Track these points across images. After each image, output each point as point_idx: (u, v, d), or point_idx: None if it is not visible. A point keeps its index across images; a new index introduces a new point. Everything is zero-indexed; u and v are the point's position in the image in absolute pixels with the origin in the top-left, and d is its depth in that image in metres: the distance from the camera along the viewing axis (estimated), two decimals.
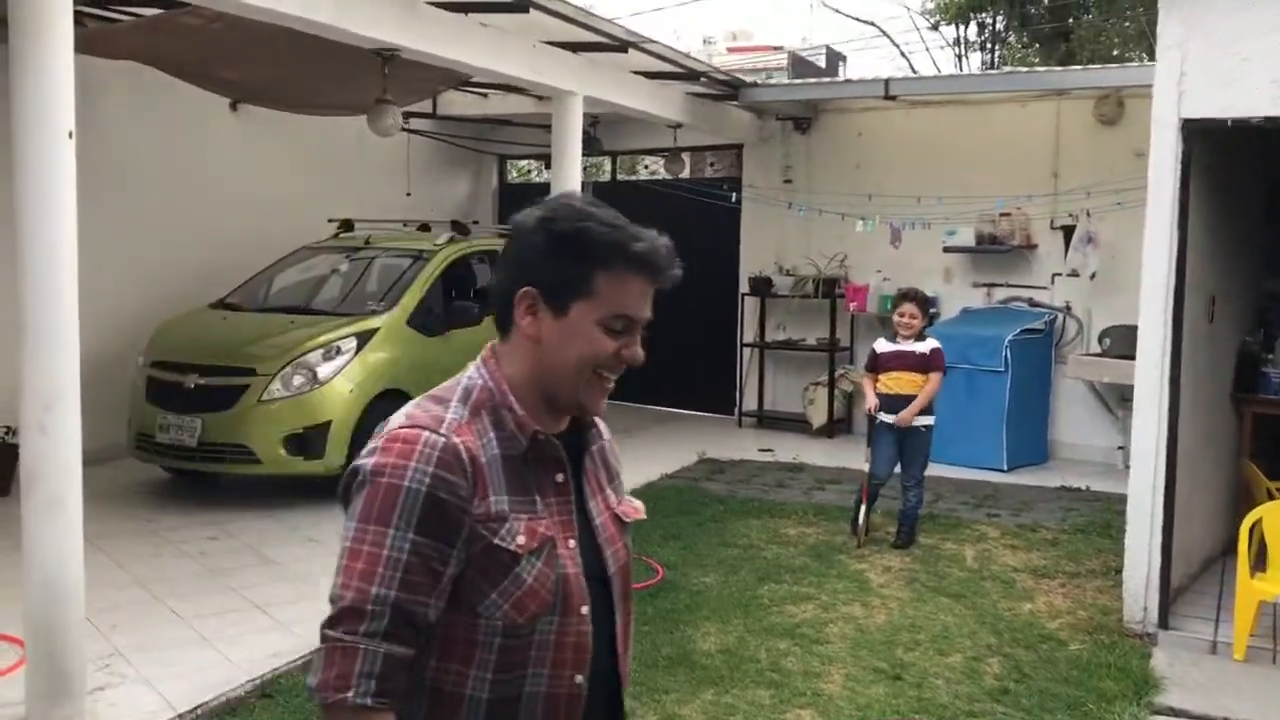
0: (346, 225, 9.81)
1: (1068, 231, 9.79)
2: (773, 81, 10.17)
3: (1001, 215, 9.96)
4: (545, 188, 14.26)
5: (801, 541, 7.11)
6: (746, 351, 11.59)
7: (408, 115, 11.34)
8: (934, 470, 8.71)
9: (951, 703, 4.88)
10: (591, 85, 7.99)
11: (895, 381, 7.01)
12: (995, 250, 9.99)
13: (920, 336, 7.12)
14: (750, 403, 11.64)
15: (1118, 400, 9.60)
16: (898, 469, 7.16)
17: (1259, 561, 5.58)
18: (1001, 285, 10.27)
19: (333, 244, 9.54)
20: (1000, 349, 9.23)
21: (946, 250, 10.23)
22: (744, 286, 11.47)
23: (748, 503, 8.05)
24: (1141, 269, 5.70)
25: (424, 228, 10.16)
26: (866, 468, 7.20)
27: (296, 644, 5.25)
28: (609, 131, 12.37)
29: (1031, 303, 10.06)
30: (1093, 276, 9.49)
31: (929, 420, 7.13)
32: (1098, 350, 9.42)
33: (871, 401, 7.16)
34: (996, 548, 6.97)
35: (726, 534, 7.28)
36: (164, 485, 8.28)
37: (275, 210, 10.52)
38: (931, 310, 10.42)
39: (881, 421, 7.16)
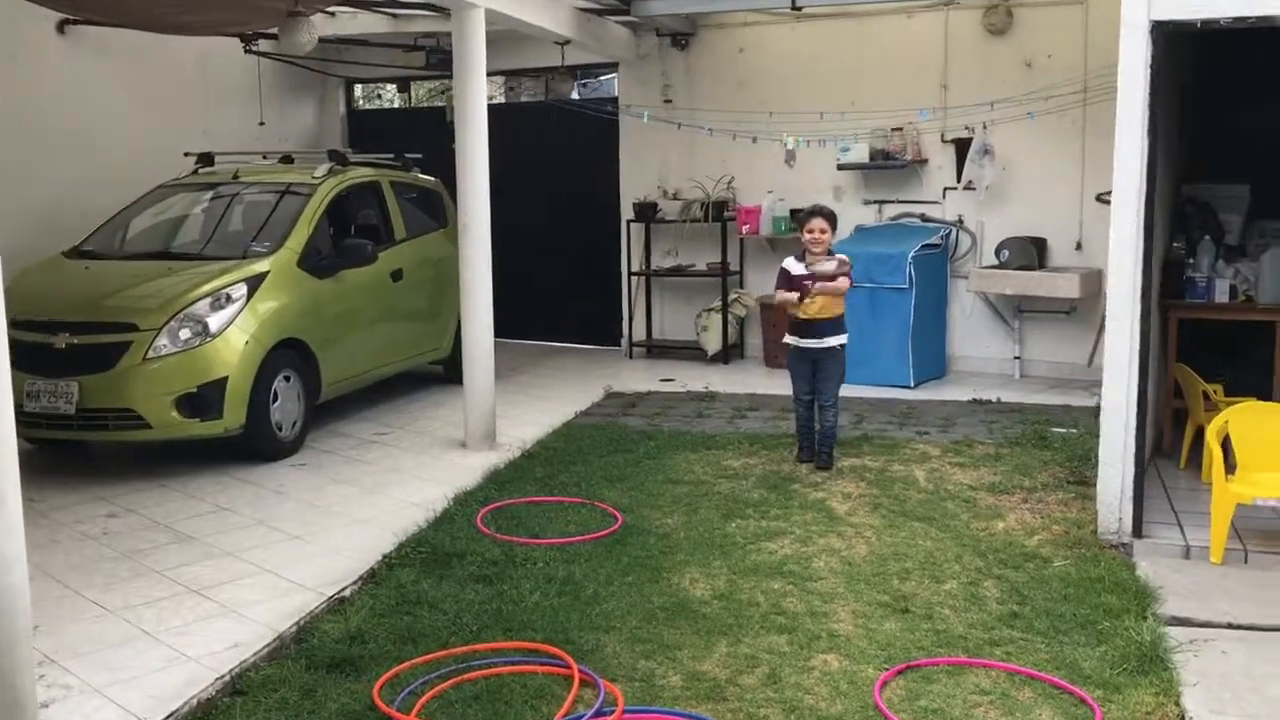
0: (206, 159, 8.90)
1: (959, 145, 9.77)
2: None
3: (893, 130, 9.86)
4: (401, 114, 13.51)
5: (749, 473, 6.88)
6: (633, 280, 11.22)
7: (255, 37, 10.41)
8: (844, 390, 8.65)
9: (968, 632, 4.75)
10: None
11: (811, 305, 6.83)
12: (889, 166, 9.90)
13: (828, 253, 6.94)
14: (639, 332, 11.32)
15: (1013, 312, 9.74)
16: None
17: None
18: (893, 202, 10.21)
19: (195, 180, 8.64)
20: (904, 266, 9.18)
21: (841, 168, 10.08)
22: (628, 213, 11.06)
23: (677, 436, 7.76)
24: (1039, 179, 5.61)
25: (287, 159, 9.34)
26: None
27: (255, 630, 4.69)
28: None
29: (924, 218, 10.04)
30: (987, 189, 9.50)
31: (842, 339, 7.00)
32: (995, 263, 9.48)
33: (793, 296, 6.90)
34: (944, 466, 6.91)
35: (669, 470, 6.98)
36: (30, 459, 7.34)
37: (116, 145, 9.51)
38: None
39: (796, 348, 7.01)
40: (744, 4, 9.59)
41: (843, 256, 6.96)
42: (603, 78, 12.02)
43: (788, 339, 7.06)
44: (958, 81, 9.78)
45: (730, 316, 10.58)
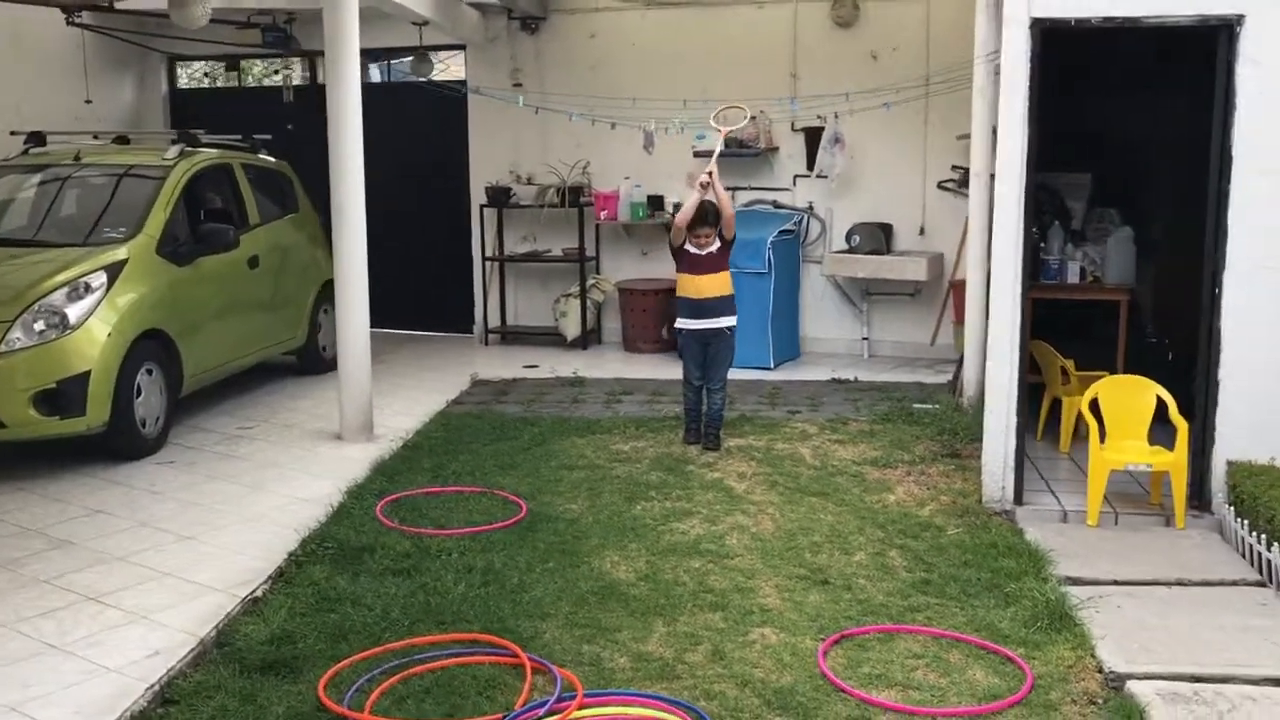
0: (37, 139, 8.29)
1: (809, 134, 10.09)
2: None
3: (750, 119, 10.06)
4: (230, 93, 12.88)
5: (641, 457, 6.95)
6: (487, 265, 11.10)
7: (79, 7, 9.76)
8: None
9: (888, 600, 4.97)
10: None
11: (707, 283, 6.98)
12: (743, 154, 10.12)
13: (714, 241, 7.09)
14: (493, 319, 11.21)
15: (861, 295, 10.14)
16: None
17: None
18: (745, 188, 10.45)
19: (28, 161, 8.05)
20: (763, 250, 9.43)
21: (697, 155, 10.23)
22: (480, 197, 10.92)
23: (560, 422, 7.75)
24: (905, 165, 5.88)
25: (122, 140, 8.82)
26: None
27: (173, 636, 4.46)
28: (306, 31, 11.27)
29: (775, 204, 10.33)
30: (838, 177, 9.85)
31: (731, 321, 7.17)
32: (845, 248, 9.85)
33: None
34: (825, 443, 7.16)
35: (559, 456, 6.97)
36: None
37: None
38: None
39: (687, 331, 7.14)
40: None
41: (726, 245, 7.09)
42: (405, 59, 11.73)
43: (680, 323, 7.15)
44: (807, 72, 10.08)
45: (589, 302, 10.61)
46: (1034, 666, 4.33)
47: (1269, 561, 5.11)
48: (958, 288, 9.62)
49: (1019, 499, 6.06)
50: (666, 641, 4.54)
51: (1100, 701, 4.09)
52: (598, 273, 10.86)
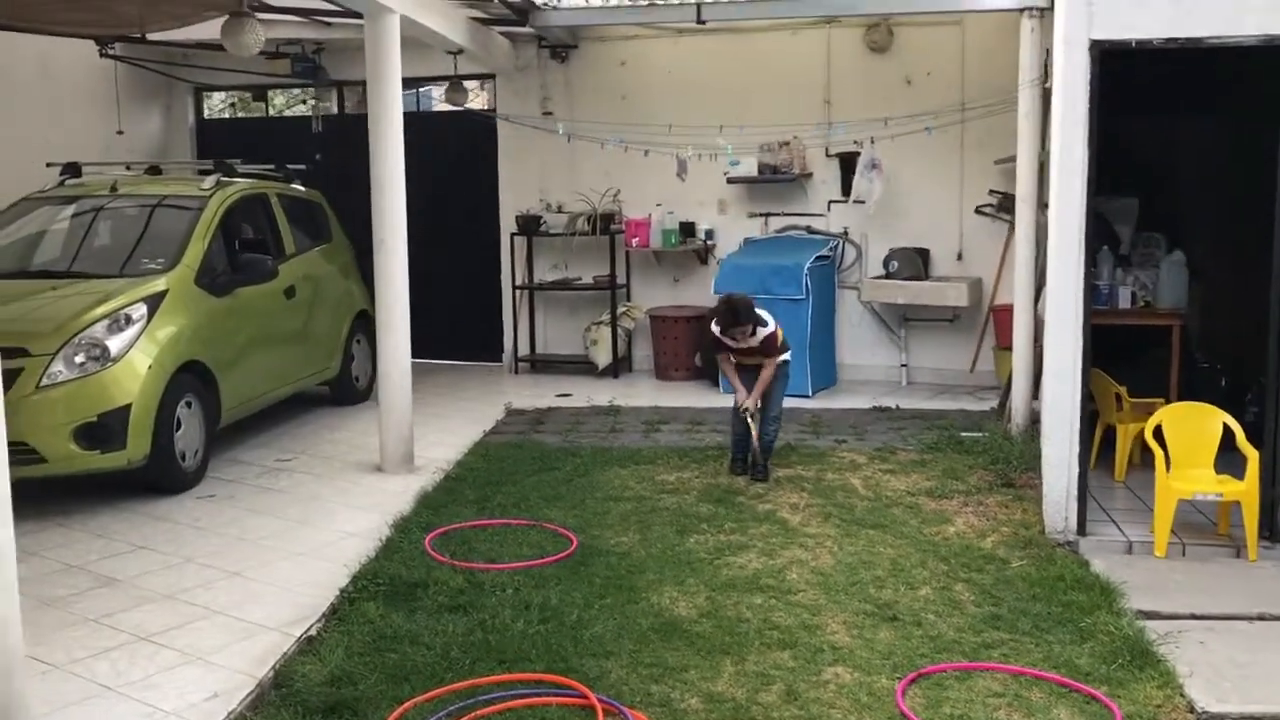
0: (73, 170, 8.23)
1: (843, 159, 10.01)
2: (566, 5, 9.43)
3: (781, 145, 10.01)
4: (257, 123, 12.83)
5: (688, 488, 6.83)
6: (516, 294, 11.00)
7: (112, 39, 9.75)
8: None
9: (960, 636, 4.82)
10: (406, 3, 7.08)
11: (744, 357, 6.98)
12: (777, 180, 10.05)
13: (753, 333, 6.93)
14: (523, 347, 11.11)
15: (898, 321, 10.03)
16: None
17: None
18: (779, 214, 10.36)
19: (64, 193, 7.98)
20: (800, 277, 9.32)
21: (731, 181, 10.17)
22: (510, 226, 10.85)
23: (601, 452, 7.63)
24: (1029, 193, 5.78)
25: (154, 170, 8.76)
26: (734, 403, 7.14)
27: (230, 678, 4.33)
28: (334, 61, 11.26)
29: (810, 230, 10.23)
30: (876, 202, 9.75)
31: (785, 356, 7.08)
32: (883, 273, 9.75)
33: (742, 396, 7.04)
34: (876, 473, 7.03)
35: (604, 488, 6.85)
36: None
37: None
38: (709, 242, 10.42)
39: (740, 364, 7.08)
40: (647, 17, 9.51)
41: (768, 329, 6.91)
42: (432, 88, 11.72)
43: (734, 356, 7.05)
44: (840, 97, 10.01)
45: (620, 329, 10.51)
46: (1121, 705, 4.18)
47: None
48: (998, 313, 9.51)
49: (1082, 529, 5.92)
50: (737, 681, 4.40)
51: None
52: (628, 300, 10.76)
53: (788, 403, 8.88)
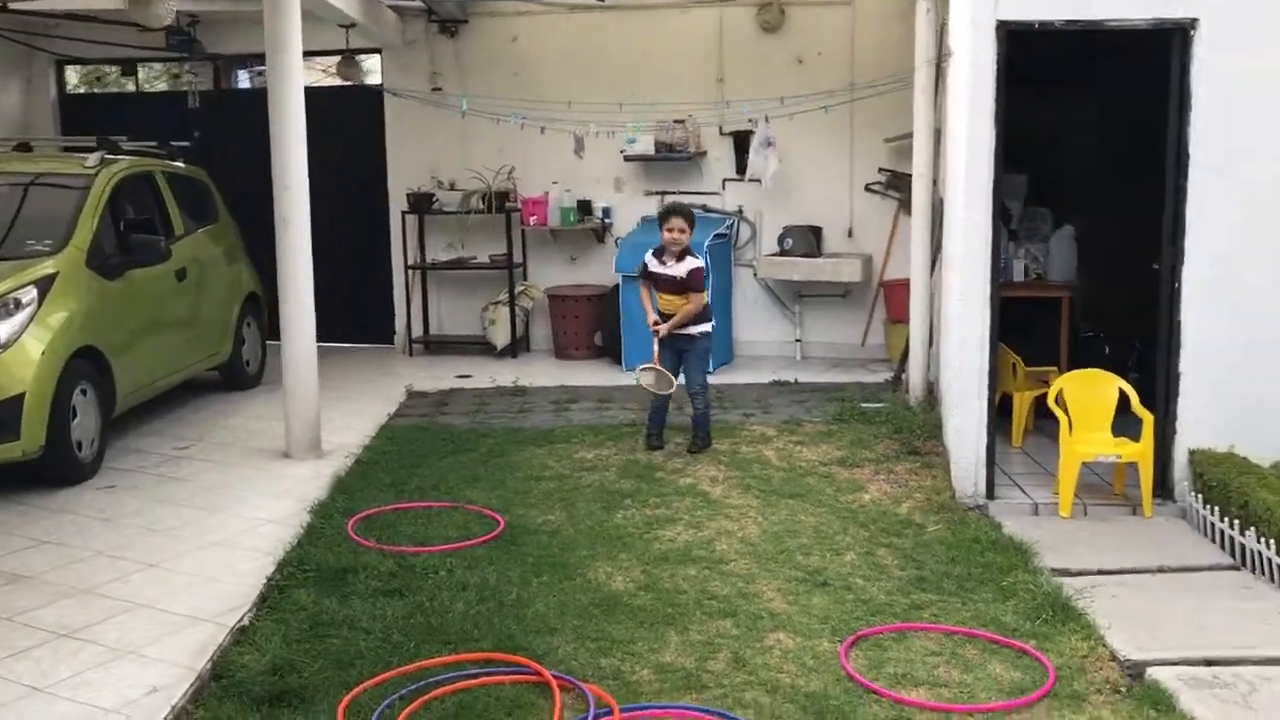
0: None
1: (737, 138, 10.13)
2: None
3: (676, 123, 10.07)
4: (126, 99, 12.27)
5: (606, 465, 6.85)
6: (409, 274, 10.82)
7: None
8: None
9: (890, 599, 4.99)
10: None
11: (666, 302, 7.00)
12: (674, 158, 10.11)
13: (683, 255, 7.04)
14: (416, 328, 10.94)
15: (792, 297, 10.22)
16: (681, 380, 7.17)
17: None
18: (674, 192, 10.42)
19: None
20: (702, 254, 9.36)
21: (628, 159, 10.18)
22: (401, 204, 10.66)
23: (513, 432, 7.60)
24: (958, 167, 5.94)
25: (24, 147, 8.34)
26: (637, 380, 7.18)
27: (167, 671, 4.19)
28: (210, 35, 10.86)
29: (705, 208, 10.32)
30: (771, 180, 9.90)
31: (706, 328, 7.17)
32: (777, 251, 9.91)
33: (652, 316, 7.09)
34: (787, 445, 7.17)
35: (522, 467, 6.83)
36: None
37: None
38: (607, 220, 10.43)
39: (660, 337, 7.11)
40: None
41: (696, 262, 7.04)
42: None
43: (651, 323, 7.08)
44: (733, 76, 10.12)
45: (517, 309, 10.44)
46: (1049, 658, 4.38)
47: (1243, 546, 5.29)
48: (888, 288, 9.79)
49: (990, 494, 6.18)
50: (683, 651, 4.47)
51: (1124, 690, 4.16)
52: (525, 279, 10.70)
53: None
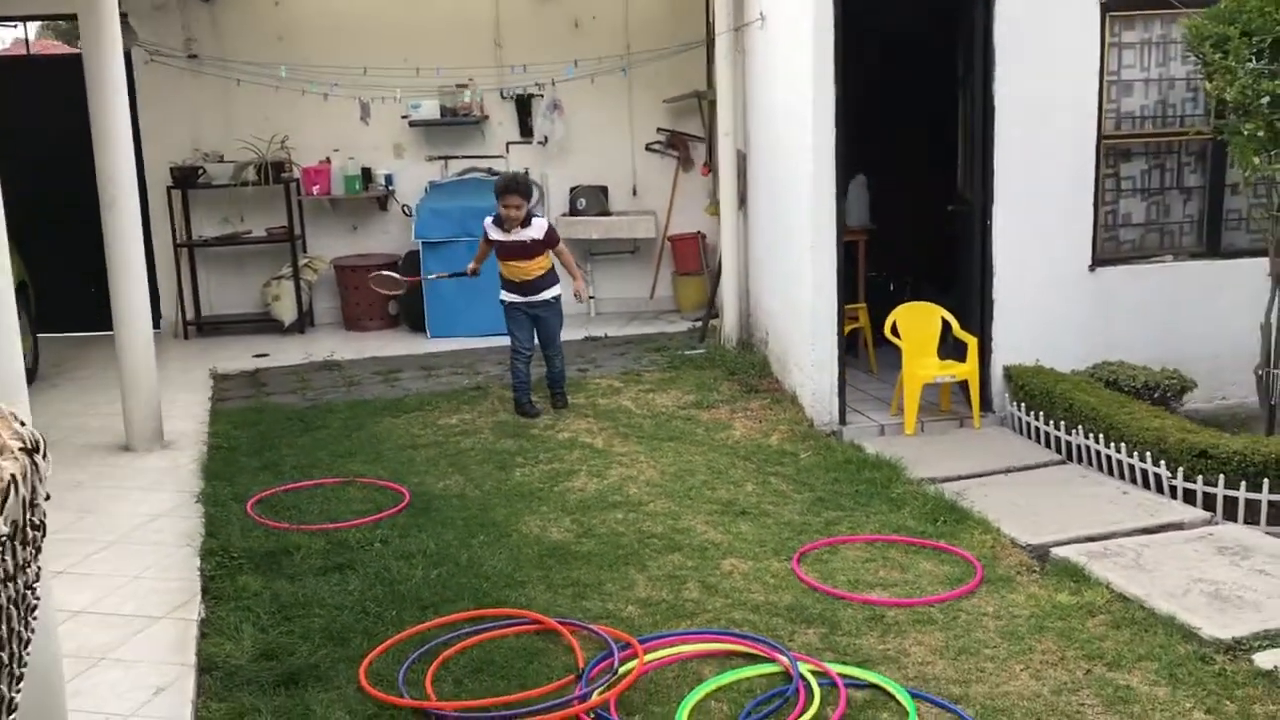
0: None
1: (520, 101, 10.27)
2: None
3: (459, 87, 10.07)
4: None
5: (477, 428, 6.94)
6: (178, 252, 10.20)
7: None
8: (466, 343, 8.97)
9: (806, 520, 5.48)
10: None
11: (516, 269, 7.13)
12: (460, 123, 10.12)
13: (525, 222, 7.20)
14: (186, 311, 10.35)
15: (584, 255, 10.52)
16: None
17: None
18: (458, 157, 10.44)
19: None
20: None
21: (412, 125, 10.08)
22: (164, 179, 10.02)
23: (358, 405, 7.50)
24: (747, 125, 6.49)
25: None
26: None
27: (160, 672, 4.02)
28: None
29: (491, 172, 10.40)
30: (559, 142, 10.13)
31: (557, 290, 7.37)
32: (569, 210, 10.18)
33: (473, 265, 7.34)
34: (638, 394, 7.53)
35: (390, 438, 6.80)
36: None
37: None
38: (390, 187, 10.31)
39: (510, 303, 7.25)
40: None
41: (542, 224, 7.22)
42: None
43: (503, 295, 7.18)
44: (511, 40, 10.22)
45: (302, 283, 10.13)
46: (965, 551, 5.02)
47: (1069, 443, 6.19)
48: (675, 242, 10.31)
49: (843, 420, 6.80)
50: (654, 586, 4.75)
51: (1039, 570, 4.85)
52: (305, 252, 10.37)
53: (504, 340, 9.19)
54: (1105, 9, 6.67)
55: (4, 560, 2.06)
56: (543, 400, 7.31)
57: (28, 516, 2.16)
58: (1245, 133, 5.65)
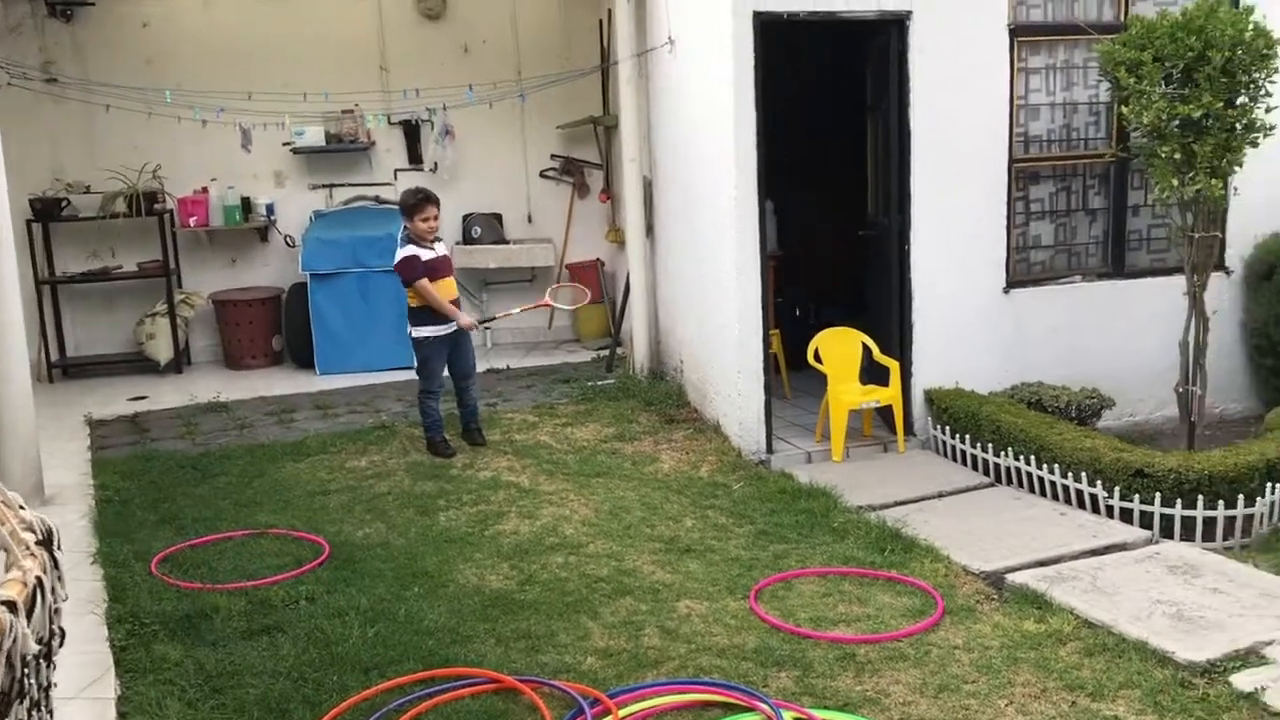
0: None
1: (407, 127, 9.93)
2: None
3: (344, 113, 9.68)
4: None
5: (389, 470, 6.58)
6: (40, 290, 9.49)
7: None
8: (352, 381, 8.62)
9: (753, 554, 5.32)
10: None
11: (446, 289, 6.82)
12: (347, 150, 9.72)
13: (434, 242, 6.94)
14: (52, 351, 9.64)
15: (478, 285, 10.23)
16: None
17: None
18: (343, 185, 10.03)
19: None
20: (394, 247, 8.99)
21: (296, 152, 9.63)
22: (23, 211, 9.30)
23: (255, 450, 7.03)
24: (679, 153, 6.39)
25: None
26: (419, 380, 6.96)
27: None
28: None
29: (379, 200, 10.03)
30: (450, 169, 9.83)
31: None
32: (460, 239, 9.87)
33: (465, 319, 6.91)
34: (555, 429, 7.27)
35: (296, 485, 6.39)
36: None
37: None
38: (272, 217, 9.84)
39: (434, 337, 6.89)
40: None
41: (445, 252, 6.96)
42: None
43: (421, 331, 6.79)
44: (398, 65, 9.89)
45: (179, 319, 9.54)
46: (920, 581, 4.92)
47: (996, 465, 6.19)
48: (574, 270, 10.09)
49: (770, 448, 6.68)
50: (612, 634, 4.51)
51: (998, 597, 4.79)
52: (180, 286, 9.79)
53: (400, 375, 8.87)
54: (1014, 34, 6.75)
55: (34, 681, 1.71)
56: (454, 438, 6.98)
57: (51, 625, 1.82)
58: (1163, 155, 5.76)
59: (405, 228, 6.79)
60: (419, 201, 6.77)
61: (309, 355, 9.31)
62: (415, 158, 10.02)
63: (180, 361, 9.57)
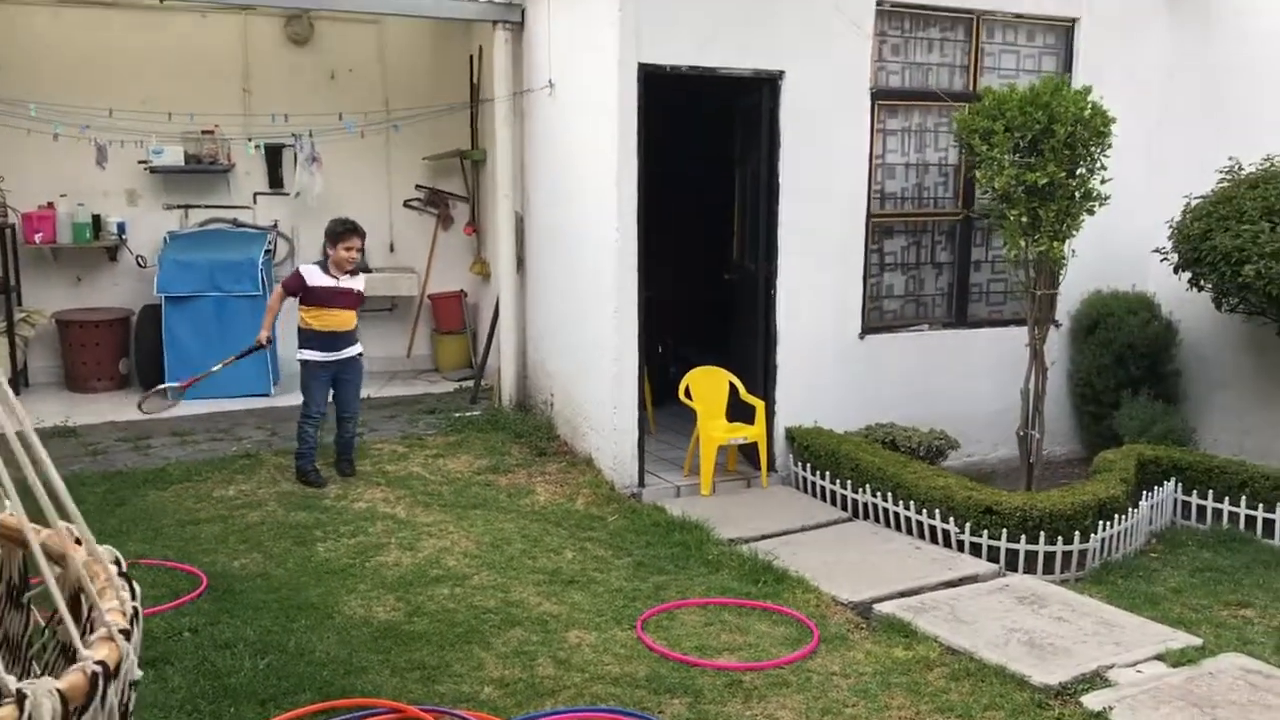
0: None
1: (270, 151, 9.80)
2: None
3: (204, 133, 9.49)
4: None
5: (260, 499, 6.49)
6: None
7: None
8: (210, 407, 8.47)
9: (634, 585, 5.51)
10: None
11: (336, 319, 6.80)
12: (207, 171, 9.51)
13: (355, 271, 6.95)
14: None
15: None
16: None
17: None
18: (200, 206, 9.80)
19: None
20: (255, 272, 9.02)
21: (153, 171, 9.37)
22: None
23: (112, 477, 6.83)
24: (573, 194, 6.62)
25: None
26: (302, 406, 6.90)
27: None
28: None
29: (236, 223, 9.85)
30: (316, 196, 9.73)
31: (360, 349, 7.09)
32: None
33: (266, 333, 6.85)
34: (427, 460, 7.30)
35: (162, 514, 6.24)
36: None
37: None
38: (123, 237, 9.55)
39: (314, 361, 6.86)
40: None
41: (362, 278, 7.04)
42: None
43: (303, 353, 6.76)
44: (262, 88, 9.75)
45: (18, 339, 9.13)
46: (793, 610, 5.21)
47: (854, 501, 6.57)
48: (436, 301, 10.13)
49: (642, 482, 6.90)
50: (505, 663, 4.61)
51: (867, 626, 5.10)
52: (20, 304, 9.37)
53: (258, 403, 8.74)
54: (874, 97, 7.22)
55: None
56: (324, 466, 6.94)
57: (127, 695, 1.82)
58: (1011, 218, 6.27)
59: (327, 254, 6.75)
60: (345, 231, 6.78)
61: (159, 379, 8.99)
62: (276, 181, 9.88)
63: (18, 383, 9.14)
